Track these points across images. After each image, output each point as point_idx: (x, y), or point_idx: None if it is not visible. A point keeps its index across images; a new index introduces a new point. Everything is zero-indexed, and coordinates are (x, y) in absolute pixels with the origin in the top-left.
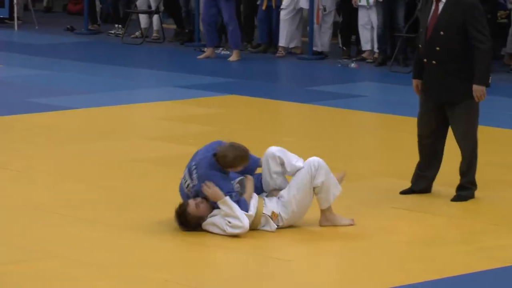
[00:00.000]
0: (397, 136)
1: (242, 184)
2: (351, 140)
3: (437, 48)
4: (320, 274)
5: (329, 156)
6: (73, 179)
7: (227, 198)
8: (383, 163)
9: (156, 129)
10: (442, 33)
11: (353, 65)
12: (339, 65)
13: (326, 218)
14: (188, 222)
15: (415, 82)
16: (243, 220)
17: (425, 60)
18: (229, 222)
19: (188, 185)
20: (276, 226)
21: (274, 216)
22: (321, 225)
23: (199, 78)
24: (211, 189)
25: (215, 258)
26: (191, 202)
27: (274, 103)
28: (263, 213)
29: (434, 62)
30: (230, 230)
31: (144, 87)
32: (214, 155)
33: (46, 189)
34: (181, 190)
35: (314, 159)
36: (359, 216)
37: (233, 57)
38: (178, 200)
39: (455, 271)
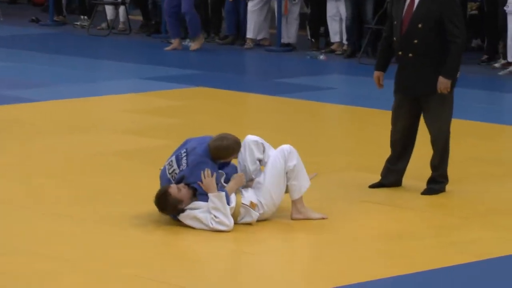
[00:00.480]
0: (366, 129)
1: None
2: (320, 133)
3: (415, 41)
4: (290, 268)
5: (298, 149)
6: (41, 173)
7: (224, 193)
8: (352, 156)
9: (123, 122)
10: (420, 25)
11: (322, 57)
12: (308, 57)
13: (298, 211)
14: (167, 204)
15: (377, 73)
16: (230, 219)
17: (400, 53)
18: (216, 217)
19: (173, 170)
20: (257, 214)
21: (252, 205)
22: (292, 218)
23: (166, 70)
24: (208, 179)
25: (186, 253)
26: (173, 185)
27: (242, 95)
28: (242, 203)
29: (411, 55)
30: (215, 226)
31: (111, 79)
32: (208, 145)
33: (14, 184)
34: (163, 176)
35: (286, 146)
36: (329, 210)
37: (194, 45)
38: (147, 193)
39: (426, 266)
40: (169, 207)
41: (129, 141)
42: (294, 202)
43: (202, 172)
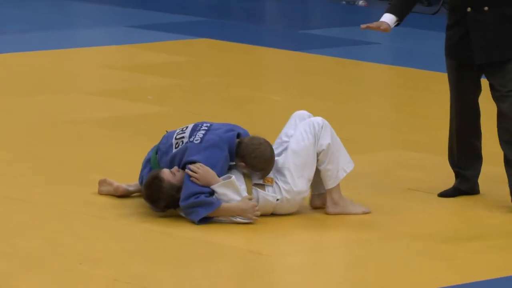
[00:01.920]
0: (416, 96)
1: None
2: (357, 100)
3: None
4: (317, 275)
5: (329, 121)
6: None
7: (233, 177)
8: (398, 131)
9: (102, 81)
10: None
11: (361, 2)
12: (343, 2)
13: (335, 203)
14: (161, 192)
15: (387, 18)
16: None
17: (469, 9)
18: None
19: (182, 137)
20: (276, 198)
21: (268, 181)
22: (327, 213)
23: (161, 15)
24: (201, 170)
25: (177, 252)
26: (165, 169)
27: (257, 50)
28: (254, 184)
29: (486, 8)
30: (239, 219)
31: (88, 26)
32: (238, 138)
33: None
34: (165, 139)
35: (317, 118)
36: (370, 201)
37: None
38: (132, 173)
39: (494, 273)
40: (164, 197)
41: (109, 106)
42: (329, 191)
43: (190, 168)
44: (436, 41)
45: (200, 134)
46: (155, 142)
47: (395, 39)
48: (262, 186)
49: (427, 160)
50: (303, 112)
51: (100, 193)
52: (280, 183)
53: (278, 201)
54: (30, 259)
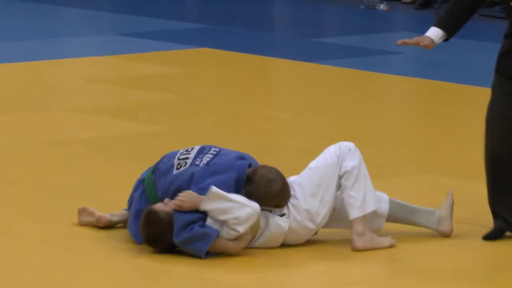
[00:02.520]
0: (444, 113)
1: None
2: (378, 118)
3: None
4: None
5: (346, 139)
6: None
7: (214, 188)
8: (426, 152)
9: (88, 97)
10: None
11: (382, 6)
12: (362, 6)
13: (359, 235)
14: (161, 224)
15: (432, 33)
16: (247, 202)
17: None
18: (234, 218)
19: (186, 158)
20: (288, 222)
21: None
22: (354, 249)
23: (156, 22)
24: (186, 196)
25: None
26: (156, 204)
27: (266, 61)
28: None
29: None
30: (240, 228)
31: (73, 34)
32: (250, 168)
33: None
34: (166, 158)
35: (347, 142)
36: (390, 229)
37: None
38: (120, 200)
39: None
40: (165, 229)
41: (97, 125)
42: (353, 223)
43: (176, 198)
44: (468, 51)
45: (207, 157)
46: (146, 165)
47: (421, 48)
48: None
49: (458, 186)
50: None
51: (80, 223)
52: (295, 206)
53: (287, 222)
54: None
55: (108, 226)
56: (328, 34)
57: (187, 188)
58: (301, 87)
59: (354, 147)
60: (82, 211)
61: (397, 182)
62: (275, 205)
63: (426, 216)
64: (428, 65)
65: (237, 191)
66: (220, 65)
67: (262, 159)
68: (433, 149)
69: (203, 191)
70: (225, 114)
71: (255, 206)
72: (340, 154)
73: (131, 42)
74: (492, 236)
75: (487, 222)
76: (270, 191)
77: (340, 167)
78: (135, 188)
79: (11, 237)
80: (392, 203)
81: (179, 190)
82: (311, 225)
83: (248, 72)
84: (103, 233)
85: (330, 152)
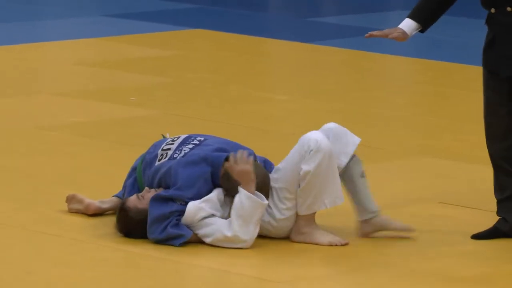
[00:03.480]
0: (445, 94)
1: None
2: (376, 100)
3: None
4: None
5: (344, 123)
6: None
7: (266, 203)
8: (424, 135)
9: (77, 81)
10: None
11: None
12: None
13: (297, 230)
14: (131, 224)
15: (405, 24)
16: (254, 234)
17: (493, 10)
18: (237, 229)
19: (168, 149)
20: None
21: None
22: (291, 239)
23: (144, 2)
24: (244, 160)
25: (167, 280)
26: (131, 197)
27: (259, 41)
28: None
29: (509, 9)
30: (226, 243)
31: (58, 15)
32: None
33: None
34: (153, 148)
35: (314, 136)
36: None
37: None
38: (111, 187)
39: None
40: (135, 228)
41: (87, 110)
42: (298, 217)
43: (235, 153)
44: (469, 30)
45: (186, 148)
46: (138, 151)
47: None
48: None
49: (458, 170)
50: (331, 126)
51: (70, 211)
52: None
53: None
54: None
55: (98, 213)
56: (324, 13)
57: (168, 184)
58: (297, 68)
59: (320, 143)
60: (71, 199)
61: (396, 165)
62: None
63: (368, 203)
64: (428, 45)
65: (214, 184)
66: (213, 47)
67: (256, 143)
68: (433, 131)
69: (178, 191)
70: (218, 97)
71: (252, 237)
72: (303, 152)
73: (119, 24)
74: (482, 235)
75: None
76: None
77: (300, 164)
78: (128, 176)
79: None
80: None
81: (160, 185)
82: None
83: (242, 53)
84: (92, 221)
85: (295, 150)
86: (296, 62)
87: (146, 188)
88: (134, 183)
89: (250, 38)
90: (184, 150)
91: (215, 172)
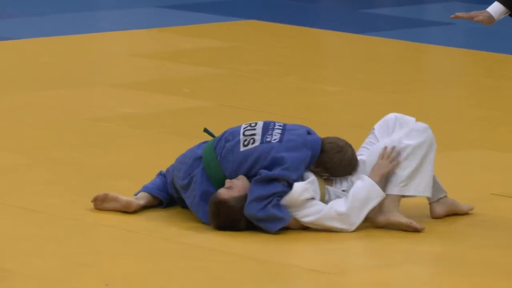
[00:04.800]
0: (499, 86)
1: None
2: (431, 92)
3: None
4: None
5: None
6: (5, 147)
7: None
8: (479, 127)
9: (130, 72)
10: None
11: None
12: None
13: (381, 210)
14: (235, 213)
15: (493, 8)
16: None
17: None
18: (347, 216)
19: (252, 134)
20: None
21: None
22: (371, 222)
23: None
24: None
25: (223, 272)
26: (221, 191)
27: (312, 33)
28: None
29: None
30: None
31: (112, 6)
32: (324, 143)
33: None
34: (232, 133)
35: (421, 123)
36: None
37: None
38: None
39: None
40: (240, 216)
41: (141, 101)
42: (386, 197)
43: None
44: None
45: (276, 133)
46: (191, 142)
47: None
48: (330, 181)
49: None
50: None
51: (102, 209)
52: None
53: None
54: (47, 280)
55: (138, 210)
56: (378, 4)
57: (265, 166)
58: (350, 60)
59: (425, 128)
60: (103, 198)
61: (451, 156)
62: (347, 173)
63: (438, 183)
64: (484, 36)
65: (309, 165)
66: (266, 38)
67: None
68: (489, 124)
69: (289, 171)
70: (272, 89)
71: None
72: (409, 132)
73: (173, 15)
74: None
75: None
76: (343, 157)
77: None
78: (190, 166)
79: (49, 215)
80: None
81: (253, 168)
82: None
83: (295, 45)
84: (142, 215)
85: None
86: (349, 53)
87: (228, 180)
88: (203, 174)
89: (304, 29)
90: (275, 135)
91: (314, 154)
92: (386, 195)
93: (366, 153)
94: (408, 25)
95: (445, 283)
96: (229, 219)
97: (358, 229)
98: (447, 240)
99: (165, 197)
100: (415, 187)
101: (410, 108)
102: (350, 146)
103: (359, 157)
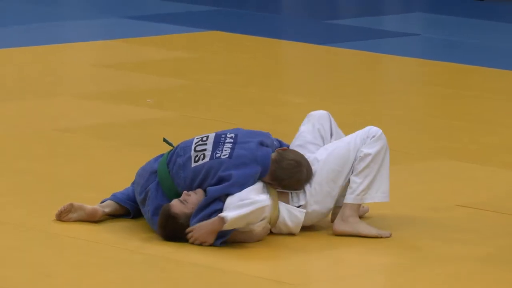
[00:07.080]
0: (460, 96)
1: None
2: (392, 101)
3: None
4: None
5: (361, 125)
6: None
7: (228, 217)
8: (440, 137)
9: (94, 82)
10: None
11: None
12: None
13: (344, 220)
14: (183, 228)
15: None
16: (257, 197)
17: None
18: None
19: (203, 150)
20: (303, 212)
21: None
22: (333, 230)
23: (161, 4)
24: (200, 233)
25: (187, 283)
26: (173, 202)
27: (275, 43)
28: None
29: None
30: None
31: (77, 17)
32: (277, 156)
33: None
34: (183, 149)
35: (375, 128)
36: (405, 217)
37: None
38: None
39: None
40: (181, 232)
41: (105, 112)
42: (344, 205)
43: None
44: (483, 32)
45: (227, 148)
46: (155, 152)
47: (436, 30)
48: (285, 194)
49: (476, 172)
50: (321, 113)
51: (68, 220)
52: (315, 186)
53: (303, 213)
54: None
55: (103, 219)
56: (340, 15)
57: (212, 183)
58: (314, 70)
59: (380, 134)
60: (69, 209)
61: (413, 167)
62: (297, 189)
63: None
64: (444, 47)
65: (260, 178)
66: (230, 49)
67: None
68: (450, 133)
69: (234, 187)
70: (236, 100)
71: (263, 199)
72: (364, 137)
73: (137, 26)
74: None
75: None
76: (300, 176)
77: (357, 151)
78: (146, 180)
79: (14, 227)
80: None
81: (202, 183)
82: (325, 210)
83: (259, 55)
84: (105, 225)
85: (355, 136)
86: (313, 64)
87: (185, 192)
88: (158, 188)
89: (267, 40)
90: (225, 150)
91: (264, 170)
92: (346, 203)
93: (323, 153)
94: (369, 36)
95: None
96: (173, 232)
97: (320, 238)
98: (409, 250)
99: (133, 206)
100: (375, 193)
101: (371, 118)
102: (306, 160)
103: (311, 155)
